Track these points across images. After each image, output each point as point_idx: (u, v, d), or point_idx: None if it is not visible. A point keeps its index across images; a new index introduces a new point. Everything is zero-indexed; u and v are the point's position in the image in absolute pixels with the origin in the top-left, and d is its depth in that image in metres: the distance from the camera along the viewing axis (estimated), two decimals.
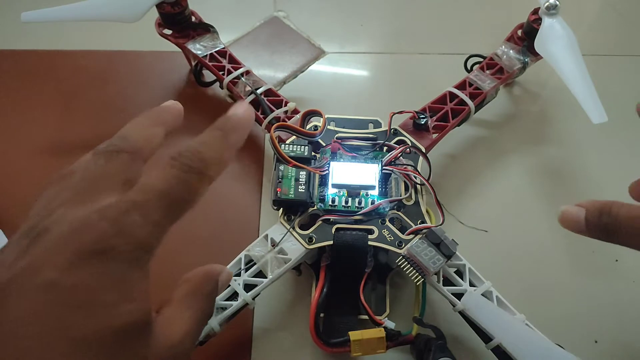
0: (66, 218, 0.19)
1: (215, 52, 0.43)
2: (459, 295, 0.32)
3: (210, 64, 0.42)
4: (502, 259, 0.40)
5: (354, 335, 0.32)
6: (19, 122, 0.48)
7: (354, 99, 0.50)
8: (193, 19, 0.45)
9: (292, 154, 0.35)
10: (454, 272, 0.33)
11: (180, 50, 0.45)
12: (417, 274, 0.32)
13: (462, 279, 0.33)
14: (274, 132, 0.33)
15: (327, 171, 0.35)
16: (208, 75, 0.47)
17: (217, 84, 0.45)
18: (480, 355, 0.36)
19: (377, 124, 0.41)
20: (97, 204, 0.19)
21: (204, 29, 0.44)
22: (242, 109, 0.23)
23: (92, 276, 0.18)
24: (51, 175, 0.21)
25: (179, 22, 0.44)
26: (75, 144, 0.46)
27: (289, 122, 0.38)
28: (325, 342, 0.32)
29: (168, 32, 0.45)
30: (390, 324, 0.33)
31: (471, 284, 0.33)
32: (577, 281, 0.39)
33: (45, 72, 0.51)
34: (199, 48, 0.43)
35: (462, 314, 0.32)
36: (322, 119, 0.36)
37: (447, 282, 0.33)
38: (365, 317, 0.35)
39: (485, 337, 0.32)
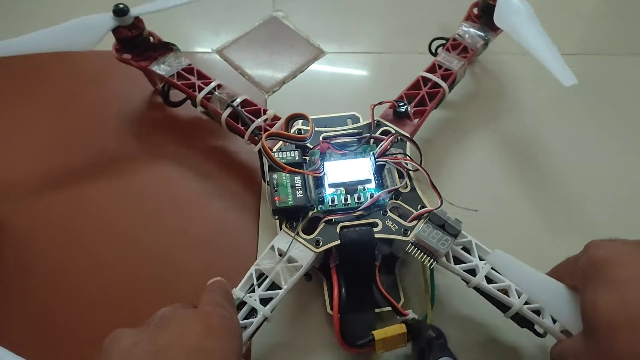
0: (182, 310, 0.27)
1: (181, 70, 0.42)
2: (471, 272, 0.33)
3: (179, 83, 0.41)
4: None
5: (378, 334, 0.32)
6: (16, 123, 0.47)
7: (353, 99, 0.49)
8: (152, 39, 0.44)
9: (283, 160, 0.35)
10: (462, 249, 0.34)
11: (183, 50, 0.44)
12: (429, 257, 0.32)
13: (471, 255, 0.34)
14: (266, 141, 0.32)
15: (322, 172, 0.35)
16: (174, 95, 0.46)
17: (188, 102, 0.43)
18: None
19: (355, 119, 0.41)
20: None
21: (165, 49, 0.43)
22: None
23: (222, 345, 0.25)
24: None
25: (139, 45, 0.42)
26: (73, 145, 0.45)
27: (273, 130, 0.38)
28: (351, 344, 0.32)
29: (128, 56, 0.43)
30: (414, 316, 0.33)
31: (480, 258, 0.33)
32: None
33: (42, 74, 0.50)
34: (164, 69, 0.42)
35: (477, 288, 0.33)
36: (308, 122, 0.36)
37: (457, 260, 0.33)
38: (382, 310, 0.35)
39: (503, 307, 0.32)
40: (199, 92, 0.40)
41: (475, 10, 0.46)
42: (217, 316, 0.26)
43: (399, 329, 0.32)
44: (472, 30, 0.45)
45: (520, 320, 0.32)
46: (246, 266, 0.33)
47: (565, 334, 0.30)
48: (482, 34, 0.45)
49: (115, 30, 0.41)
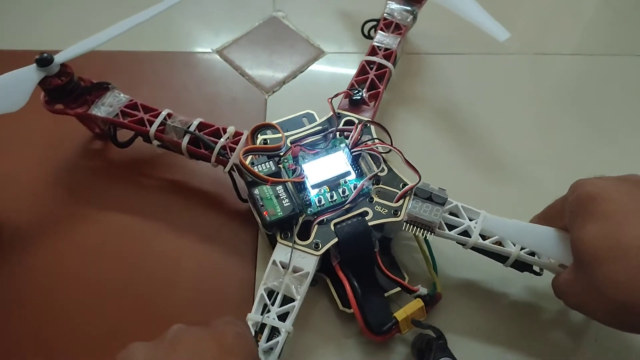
0: (197, 328, 0.26)
1: (124, 107, 0.40)
2: (464, 234, 0.34)
3: (125, 121, 0.39)
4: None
5: (399, 315, 0.33)
6: (16, 123, 0.44)
7: None
8: (82, 83, 0.41)
9: (261, 173, 0.34)
10: (449, 215, 0.35)
11: (183, 50, 0.45)
12: (426, 230, 0.34)
13: (460, 218, 0.35)
14: (244, 158, 0.32)
15: (304, 177, 0.35)
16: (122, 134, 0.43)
17: (140, 138, 0.41)
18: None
19: (310, 117, 0.41)
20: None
21: (100, 89, 0.41)
22: None
23: None
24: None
25: (71, 92, 0.40)
26: (73, 145, 0.45)
27: (237, 146, 0.37)
28: (378, 332, 0.32)
29: (61, 106, 0.40)
30: (424, 290, 0.34)
31: (470, 219, 0.35)
32: None
33: None
34: (105, 110, 0.39)
35: (475, 247, 0.34)
36: (277, 129, 0.35)
37: (449, 227, 0.35)
38: (391, 293, 0.36)
39: (502, 258, 0.34)
40: (150, 125, 0.39)
41: None
42: (232, 335, 0.26)
43: (416, 304, 0.33)
44: (398, 6, 0.46)
45: (520, 265, 0.34)
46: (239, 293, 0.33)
47: (562, 267, 0.33)
48: (408, 8, 0.46)
49: (42, 82, 0.38)
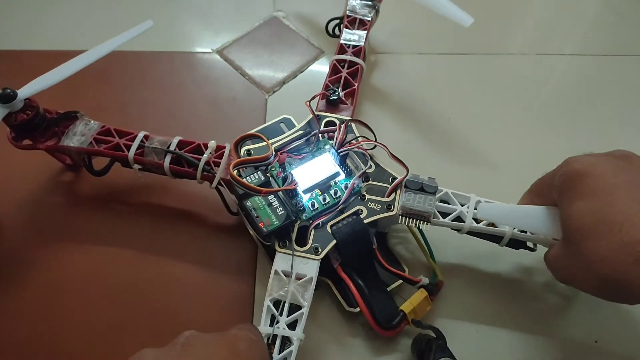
0: (209, 334, 0.25)
1: (97, 134, 0.38)
2: (458, 219, 0.35)
3: (101, 148, 0.38)
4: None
5: (406, 307, 0.33)
6: None
7: None
8: (48, 115, 0.39)
9: (252, 184, 0.34)
10: (441, 202, 0.36)
11: (183, 50, 0.45)
12: (421, 221, 0.34)
13: (451, 204, 0.36)
14: (234, 171, 0.31)
15: (295, 182, 0.34)
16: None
17: (116, 164, 0.40)
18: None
19: (288, 122, 0.41)
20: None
21: (69, 119, 0.39)
22: None
23: None
24: None
25: (38, 126, 0.38)
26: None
27: (221, 160, 0.37)
28: (388, 327, 0.33)
29: (29, 142, 0.38)
30: (426, 280, 0.34)
31: (461, 204, 0.36)
32: None
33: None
34: (78, 139, 0.38)
35: (470, 231, 0.35)
36: (262, 139, 0.35)
37: (443, 214, 0.35)
38: (393, 287, 0.36)
39: (497, 239, 0.35)
40: (128, 150, 0.37)
41: None
42: (244, 340, 0.25)
43: (420, 294, 0.34)
44: (359, 1, 0.47)
45: (514, 243, 0.35)
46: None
47: (555, 241, 0.34)
48: (369, 2, 0.47)
49: (7, 119, 0.36)
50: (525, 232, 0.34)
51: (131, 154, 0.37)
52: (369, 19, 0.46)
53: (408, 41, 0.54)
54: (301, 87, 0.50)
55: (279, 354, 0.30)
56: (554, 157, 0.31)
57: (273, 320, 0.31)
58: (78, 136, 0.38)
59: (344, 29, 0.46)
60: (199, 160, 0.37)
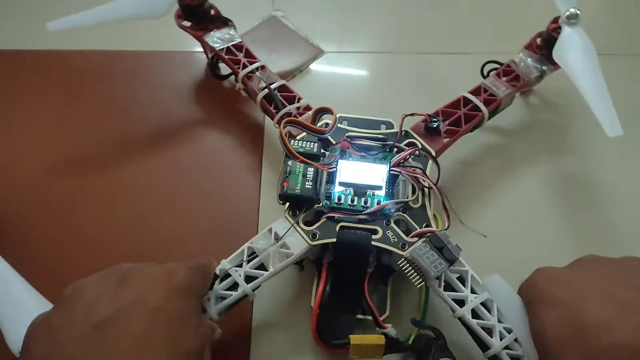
0: (147, 266, 0.26)
1: (231, 45, 0.43)
2: (459, 302, 0.32)
3: (226, 57, 0.43)
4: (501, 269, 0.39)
5: (354, 339, 0.32)
6: (19, 122, 0.48)
7: (353, 99, 0.50)
8: (212, 12, 0.45)
9: (301, 149, 0.35)
10: (456, 277, 0.33)
11: (183, 49, 0.46)
12: (418, 277, 0.32)
13: (464, 286, 0.33)
14: (284, 127, 0.33)
15: (334, 169, 0.35)
16: (224, 69, 0.47)
17: (233, 77, 0.45)
18: None
19: (389, 126, 0.40)
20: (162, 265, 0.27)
21: (222, 22, 0.45)
22: None
23: (184, 305, 0.25)
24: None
25: (198, 15, 0.44)
26: (75, 144, 0.47)
27: (300, 119, 0.39)
28: (326, 342, 0.32)
29: (187, 24, 0.45)
30: (393, 331, 0.33)
31: (472, 291, 0.32)
32: None
33: (45, 72, 0.51)
34: (216, 41, 0.44)
35: (462, 320, 0.32)
36: (333, 117, 0.36)
37: (449, 287, 0.33)
38: (364, 317, 0.35)
39: (483, 346, 0.31)
40: (243, 69, 0.42)
41: (539, 41, 0.44)
42: (181, 274, 0.26)
43: (377, 339, 0.32)
44: (529, 60, 0.43)
45: None
46: None
47: None
48: (538, 65, 0.43)
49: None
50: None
51: (242, 73, 0.42)
52: (527, 79, 0.43)
53: None
54: (300, 86, 0.49)
55: (223, 290, 0.32)
56: None
57: (238, 263, 0.33)
58: (218, 39, 0.44)
59: (495, 75, 0.43)
60: (284, 107, 0.39)
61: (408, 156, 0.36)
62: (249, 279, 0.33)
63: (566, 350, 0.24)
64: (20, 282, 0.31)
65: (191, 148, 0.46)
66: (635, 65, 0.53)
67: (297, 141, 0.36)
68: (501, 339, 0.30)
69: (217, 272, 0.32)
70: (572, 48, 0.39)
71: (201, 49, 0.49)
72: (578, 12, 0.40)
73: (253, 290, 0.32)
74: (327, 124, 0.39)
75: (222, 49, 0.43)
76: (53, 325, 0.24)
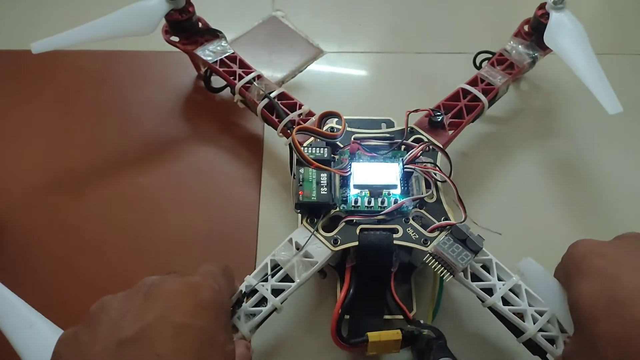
0: (172, 280, 0.25)
1: (225, 57, 0.43)
2: (488, 291, 0.32)
3: (220, 69, 0.42)
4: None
5: (372, 336, 0.32)
6: (18, 122, 0.47)
7: (353, 99, 0.50)
8: (200, 25, 0.45)
9: (312, 156, 0.35)
10: (481, 267, 0.33)
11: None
12: (446, 271, 0.32)
13: (490, 274, 0.33)
14: (296, 134, 0.33)
15: (349, 172, 0.35)
16: (217, 81, 0.47)
17: (228, 89, 0.44)
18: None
19: (390, 124, 0.40)
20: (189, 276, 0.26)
21: (211, 35, 0.44)
22: None
23: (210, 321, 0.24)
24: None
25: (187, 29, 0.44)
26: (74, 144, 0.46)
27: (307, 125, 0.38)
28: (344, 340, 0.32)
29: (175, 39, 0.44)
30: (412, 327, 0.33)
31: (499, 279, 0.33)
32: None
33: (44, 73, 0.51)
34: (208, 54, 0.43)
35: (493, 308, 0.32)
36: (341, 120, 0.36)
37: (475, 277, 0.33)
38: (392, 317, 0.35)
39: (517, 331, 0.32)
40: (239, 80, 0.41)
41: (526, 28, 0.45)
42: (207, 289, 0.25)
43: (394, 334, 0.32)
44: (520, 47, 0.44)
45: (533, 347, 0.31)
46: None
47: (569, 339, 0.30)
48: (530, 52, 0.44)
49: (167, 14, 0.42)
50: (552, 342, 0.30)
51: (239, 85, 0.41)
52: (520, 66, 0.43)
53: None
54: (300, 86, 0.49)
55: (251, 307, 0.31)
56: None
57: (263, 277, 0.32)
58: (210, 51, 0.43)
59: (489, 64, 0.44)
60: (287, 115, 0.39)
61: (420, 152, 0.36)
62: (276, 292, 0.32)
63: (600, 320, 0.24)
64: (27, 308, 0.30)
65: (187, 160, 0.46)
66: (635, 65, 0.53)
67: (305, 148, 0.36)
68: (534, 323, 0.31)
69: (244, 288, 0.32)
70: (563, 32, 0.40)
71: None
72: None
73: (282, 303, 0.32)
74: (331, 128, 0.39)
75: (216, 61, 0.43)
76: (79, 342, 0.23)
